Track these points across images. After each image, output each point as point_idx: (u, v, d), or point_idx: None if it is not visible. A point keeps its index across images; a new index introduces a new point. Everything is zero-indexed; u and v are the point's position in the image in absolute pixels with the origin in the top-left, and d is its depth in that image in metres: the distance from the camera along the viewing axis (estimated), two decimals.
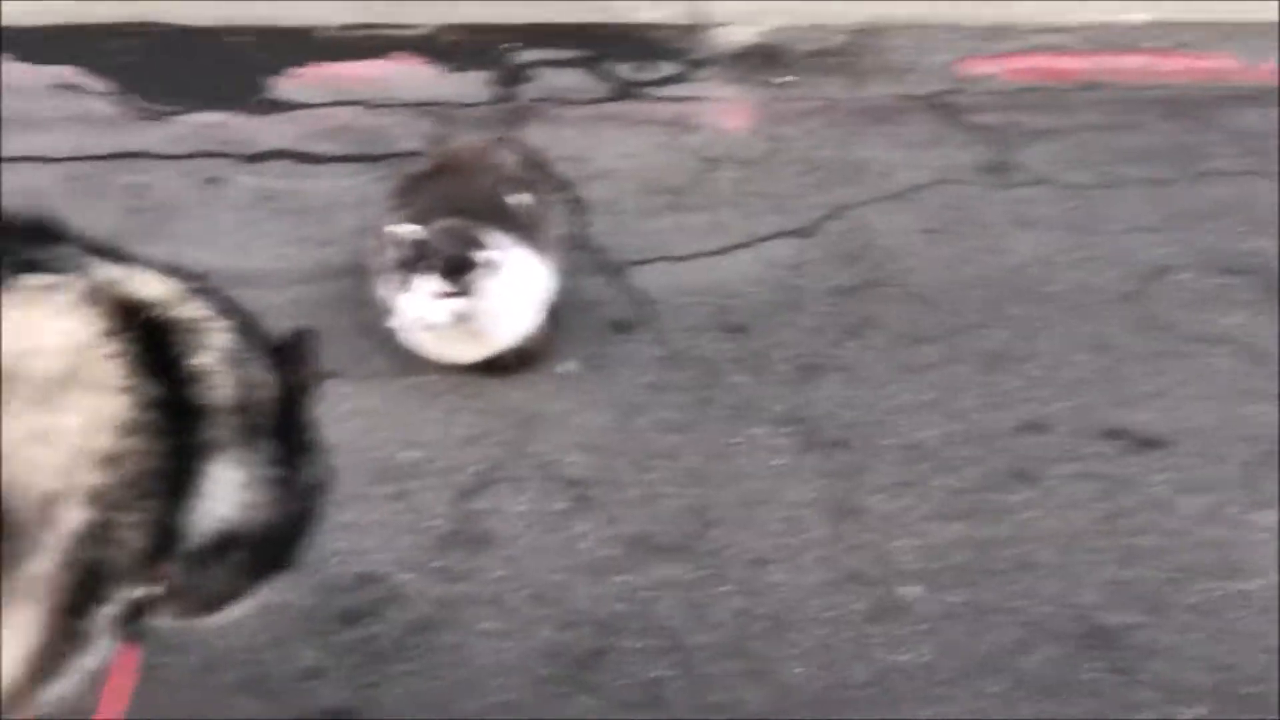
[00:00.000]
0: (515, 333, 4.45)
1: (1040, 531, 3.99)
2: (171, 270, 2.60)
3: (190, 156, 5.40)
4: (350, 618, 3.65)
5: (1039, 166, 5.60)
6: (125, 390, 2.29)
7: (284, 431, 2.71)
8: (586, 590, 3.77)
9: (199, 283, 2.63)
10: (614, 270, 4.92)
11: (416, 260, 4.22)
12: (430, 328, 4.28)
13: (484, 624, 3.67)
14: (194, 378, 2.46)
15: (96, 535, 2.25)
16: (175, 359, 2.44)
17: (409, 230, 4.27)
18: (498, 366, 4.45)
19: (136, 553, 2.35)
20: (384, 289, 4.34)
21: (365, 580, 3.76)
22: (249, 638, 3.55)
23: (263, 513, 2.66)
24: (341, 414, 4.21)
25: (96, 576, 2.28)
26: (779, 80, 6.07)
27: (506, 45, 6.10)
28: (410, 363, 4.44)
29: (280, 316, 4.40)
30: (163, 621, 2.77)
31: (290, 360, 2.76)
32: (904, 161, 5.58)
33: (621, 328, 4.66)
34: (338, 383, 4.29)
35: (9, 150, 5.29)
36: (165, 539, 2.41)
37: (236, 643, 3.54)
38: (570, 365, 4.51)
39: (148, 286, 2.47)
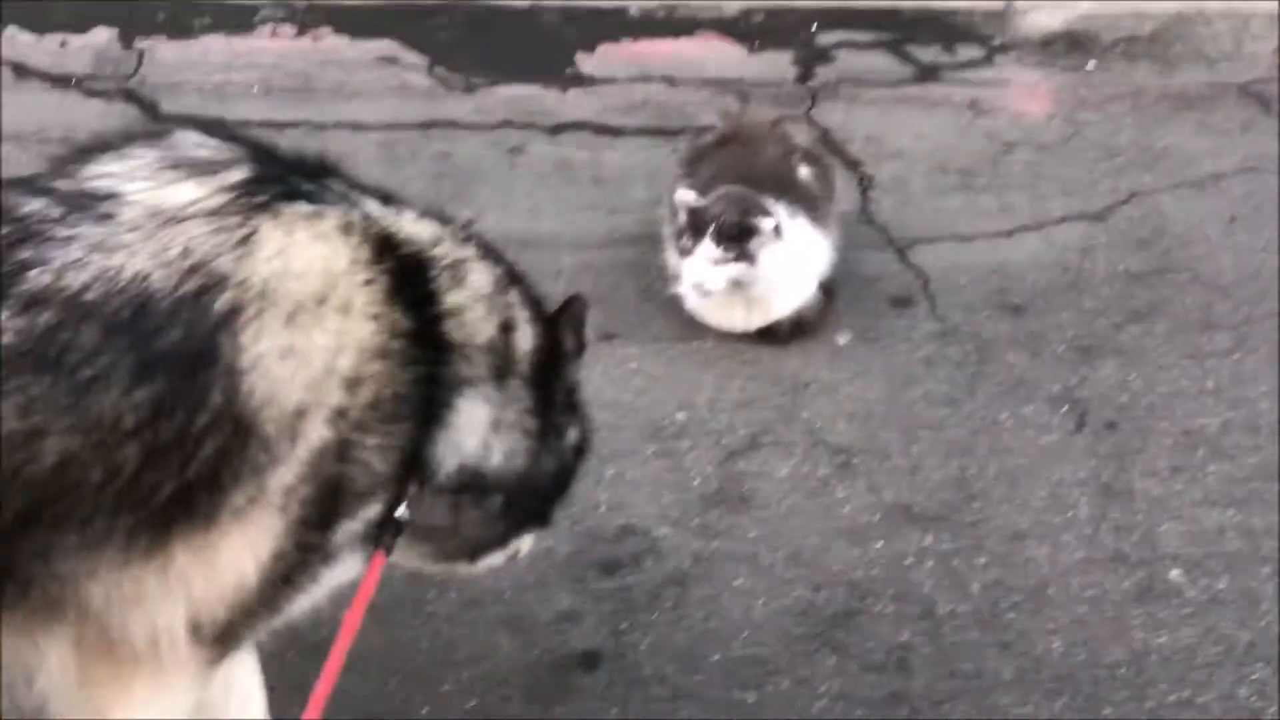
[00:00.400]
0: (792, 302, 4.50)
1: None
2: (438, 215, 2.74)
3: (496, 127, 5.58)
4: (609, 567, 3.75)
5: None
6: (375, 317, 2.42)
7: (547, 386, 2.81)
8: (842, 554, 3.80)
9: (466, 229, 2.76)
10: (898, 247, 4.92)
11: (698, 226, 4.30)
12: (709, 293, 4.35)
13: (738, 580, 3.74)
14: (447, 314, 2.57)
15: (339, 452, 2.39)
16: (429, 294, 2.56)
17: (691, 196, 4.35)
18: (774, 335, 4.51)
19: (378, 473, 2.48)
20: (669, 254, 4.43)
21: (626, 532, 3.86)
22: (511, 579, 3.68)
23: (519, 461, 2.78)
24: (621, 374, 4.35)
25: (338, 492, 2.42)
26: (1084, 66, 5.94)
27: (810, 27, 6.13)
28: (690, 328, 4.53)
29: (568, 279, 4.64)
30: (423, 564, 2.93)
31: (561, 323, 2.86)
32: (1209, 149, 5.43)
33: (899, 303, 4.67)
34: (620, 344, 4.43)
35: (330, 117, 5.55)
36: (411, 463, 2.53)
37: (499, 584, 3.67)
38: (845, 337, 4.53)
39: (410, 225, 2.61)
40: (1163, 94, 5.74)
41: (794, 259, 4.43)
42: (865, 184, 5.22)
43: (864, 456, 4.08)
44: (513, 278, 2.80)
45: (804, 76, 5.87)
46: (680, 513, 3.90)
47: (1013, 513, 3.90)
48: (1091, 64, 5.90)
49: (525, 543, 3.10)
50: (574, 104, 5.67)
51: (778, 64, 5.94)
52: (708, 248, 4.27)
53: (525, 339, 2.74)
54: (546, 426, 2.84)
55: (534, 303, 2.84)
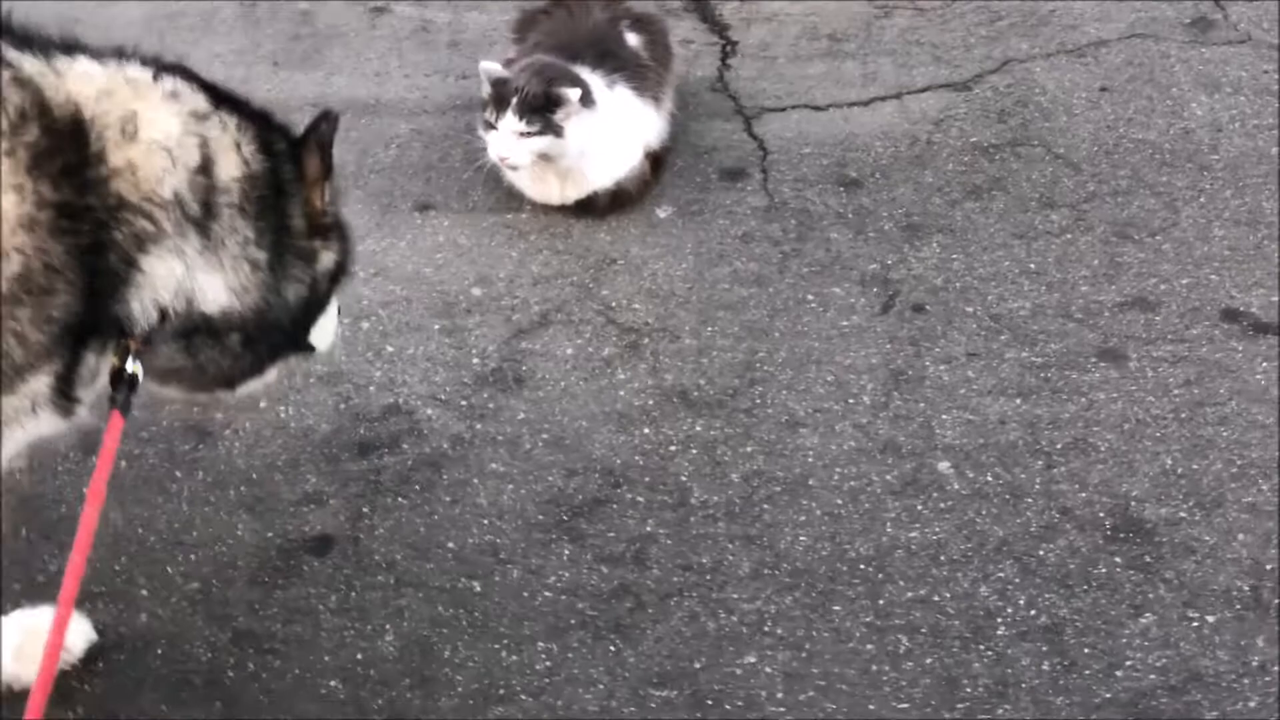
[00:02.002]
0: (610, 174, 4.37)
1: (1107, 415, 3.72)
2: (120, 57, 2.62)
3: None
4: (365, 448, 3.68)
5: (1249, 26, 5.11)
6: (17, 188, 2.33)
7: (278, 214, 2.74)
8: (607, 439, 3.70)
9: (156, 70, 2.63)
10: (746, 116, 4.75)
11: (501, 98, 4.16)
12: (515, 168, 4.22)
13: (493, 465, 3.65)
14: (112, 175, 2.47)
15: None
16: (86, 158, 2.45)
17: (495, 67, 4.20)
18: (591, 208, 4.37)
19: (36, 344, 2.40)
20: (478, 127, 4.29)
21: (391, 412, 3.77)
22: (262, 459, 3.62)
23: (251, 296, 2.71)
24: (427, 246, 4.25)
25: None
26: None
27: None
28: (509, 200, 4.42)
29: (400, 147, 4.52)
30: (185, 396, 2.89)
31: (305, 145, 2.78)
32: (1098, 13, 5.21)
33: (731, 175, 4.52)
34: (434, 215, 4.34)
35: None
36: (87, 327, 2.47)
37: (249, 463, 3.61)
38: (666, 210, 4.39)
39: (74, 82, 2.49)
40: None
41: (609, 130, 4.29)
42: (727, 50, 5.03)
43: (654, 337, 3.96)
44: (224, 106, 2.69)
45: None
46: (452, 393, 3.81)
47: (792, 399, 3.77)
48: None
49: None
50: None
51: None
52: (510, 120, 4.14)
53: (229, 169, 2.64)
54: (282, 255, 2.77)
55: (261, 128, 2.74)
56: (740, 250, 4.23)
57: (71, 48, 2.57)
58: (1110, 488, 3.53)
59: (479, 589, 3.36)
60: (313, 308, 2.92)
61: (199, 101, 2.66)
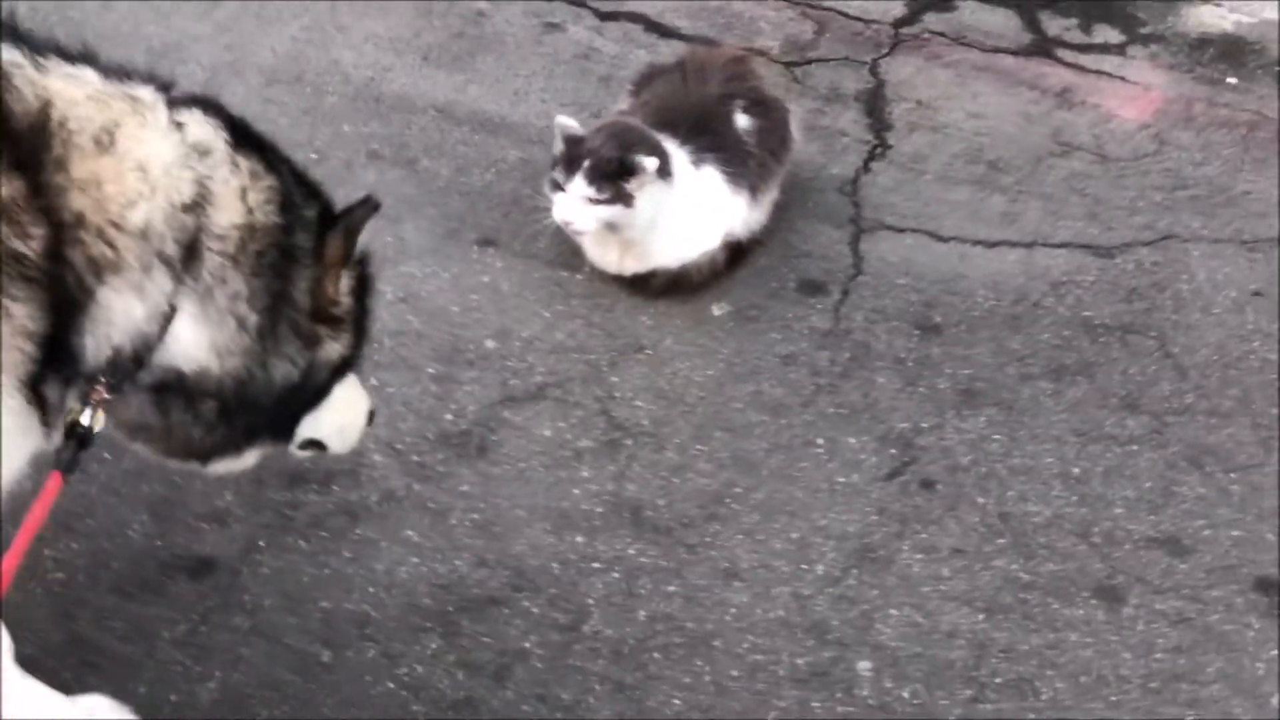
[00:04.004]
0: (675, 255, 4.15)
1: (1069, 660, 3.37)
2: (122, 71, 2.49)
3: None
4: (295, 480, 3.59)
5: None
6: None
7: (280, 279, 2.58)
8: (535, 537, 3.54)
9: (165, 89, 2.52)
10: (859, 227, 4.45)
11: (573, 159, 3.96)
12: (579, 234, 4.02)
13: (409, 532, 3.52)
14: (67, 186, 2.33)
15: None
16: (49, 159, 2.32)
17: (571, 124, 4.01)
18: (646, 285, 4.16)
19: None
20: (546, 183, 4.10)
21: None
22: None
23: (233, 362, 2.56)
24: (469, 284, 4.13)
25: None
26: (1224, 79, 5.21)
27: None
28: (568, 258, 4.24)
29: (497, 173, 4.36)
30: (150, 454, 2.76)
31: (335, 226, 2.64)
32: None
33: (809, 287, 4.24)
34: (492, 253, 4.22)
35: None
36: (57, 348, 2.35)
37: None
38: (723, 308, 4.14)
39: (56, 81, 2.36)
40: None
41: (684, 209, 4.06)
42: (875, 152, 4.72)
43: (639, 441, 3.74)
44: (246, 149, 2.55)
45: (908, 19, 5.34)
46: (409, 445, 3.67)
47: (743, 548, 3.51)
48: (1233, 80, 5.16)
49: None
50: None
51: None
52: (579, 185, 3.94)
53: (230, 214, 2.49)
54: (276, 326, 2.61)
55: (287, 183, 2.60)
56: (775, 372, 3.95)
57: (82, 56, 2.45)
58: None
59: (326, 659, 3.22)
60: (302, 396, 2.73)
61: (213, 138, 2.50)
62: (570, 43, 5.10)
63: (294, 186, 2.61)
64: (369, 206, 2.64)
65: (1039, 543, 3.58)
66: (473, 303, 4.07)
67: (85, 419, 2.46)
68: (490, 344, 3.96)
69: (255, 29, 4.96)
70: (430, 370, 3.86)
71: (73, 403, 2.47)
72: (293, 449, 2.88)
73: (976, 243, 4.44)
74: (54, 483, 2.47)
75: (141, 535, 3.39)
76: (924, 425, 3.86)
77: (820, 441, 3.79)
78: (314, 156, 4.43)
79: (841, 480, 3.70)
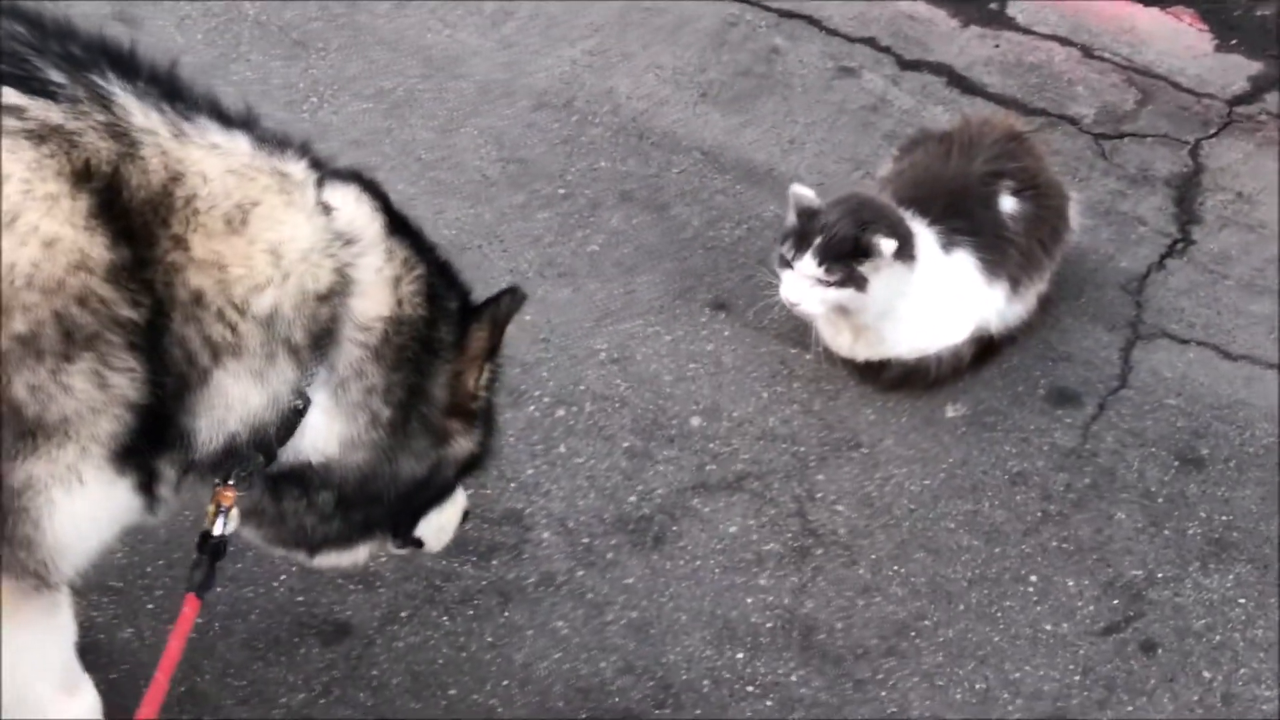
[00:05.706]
0: (911, 347, 3.80)
1: None
2: (283, 141, 2.38)
3: (854, 41, 4.97)
4: (453, 549, 3.30)
5: None
6: (50, 244, 2.12)
7: (421, 375, 2.50)
8: (691, 648, 3.30)
9: (313, 162, 2.41)
10: (1136, 333, 4.00)
11: (804, 234, 3.65)
12: (804, 315, 3.71)
13: (559, 623, 3.33)
14: (184, 264, 2.22)
15: None
16: (163, 235, 2.22)
17: (805, 194, 3.69)
18: (878, 375, 3.82)
19: (60, 411, 2.17)
20: (774, 257, 3.79)
21: (509, 519, 3.52)
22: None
23: (359, 455, 2.49)
24: (690, 350, 3.90)
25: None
26: None
27: None
28: (799, 334, 3.91)
29: (748, 229, 4.10)
30: (255, 540, 2.70)
31: (479, 319, 2.55)
32: None
33: (1061, 397, 3.82)
34: (721, 319, 4.00)
35: None
36: (164, 424, 2.27)
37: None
38: (958, 410, 3.77)
39: (203, 153, 2.25)
40: None
41: (925, 296, 3.71)
42: (1175, 248, 4.26)
43: (830, 553, 3.43)
44: (399, 236, 2.47)
45: (1248, 97, 4.82)
46: (582, 524, 3.45)
47: (919, 693, 3.18)
48: None
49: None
50: (962, 43, 4.97)
51: (1234, 71, 4.93)
52: (808, 264, 3.63)
53: (377, 305, 2.41)
54: (408, 421, 2.53)
55: (434, 274, 2.51)
56: (1000, 491, 3.57)
57: (241, 121, 2.34)
58: None
59: None
60: (427, 493, 2.66)
61: (367, 223, 2.40)
62: (861, 91, 4.75)
63: (439, 276, 2.49)
64: (517, 298, 2.53)
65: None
66: (689, 372, 3.80)
67: (217, 529, 2.40)
68: (695, 421, 3.68)
69: (539, 47, 4.77)
70: (625, 444, 3.61)
71: (186, 490, 2.40)
72: (390, 545, 2.69)
73: (1271, 366, 3.93)
74: (190, 608, 2.39)
75: (286, 589, 3.25)
76: (1160, 576, 3.42)
77: (1033, 579, 3.40)
78: (561, 191, 4.25)
79: (1048, 628, 3.30)
